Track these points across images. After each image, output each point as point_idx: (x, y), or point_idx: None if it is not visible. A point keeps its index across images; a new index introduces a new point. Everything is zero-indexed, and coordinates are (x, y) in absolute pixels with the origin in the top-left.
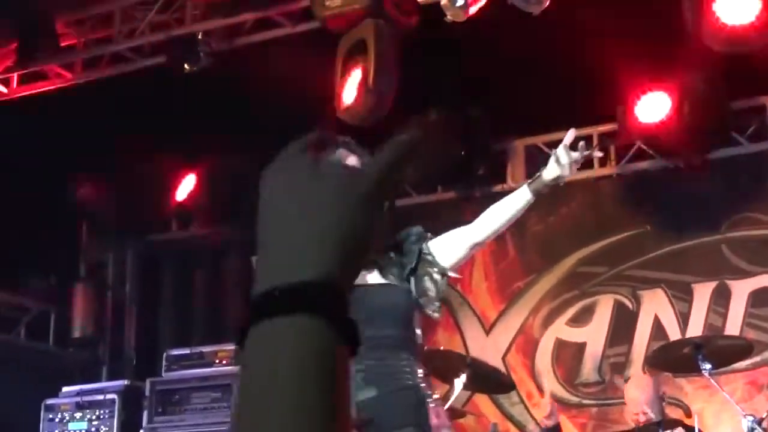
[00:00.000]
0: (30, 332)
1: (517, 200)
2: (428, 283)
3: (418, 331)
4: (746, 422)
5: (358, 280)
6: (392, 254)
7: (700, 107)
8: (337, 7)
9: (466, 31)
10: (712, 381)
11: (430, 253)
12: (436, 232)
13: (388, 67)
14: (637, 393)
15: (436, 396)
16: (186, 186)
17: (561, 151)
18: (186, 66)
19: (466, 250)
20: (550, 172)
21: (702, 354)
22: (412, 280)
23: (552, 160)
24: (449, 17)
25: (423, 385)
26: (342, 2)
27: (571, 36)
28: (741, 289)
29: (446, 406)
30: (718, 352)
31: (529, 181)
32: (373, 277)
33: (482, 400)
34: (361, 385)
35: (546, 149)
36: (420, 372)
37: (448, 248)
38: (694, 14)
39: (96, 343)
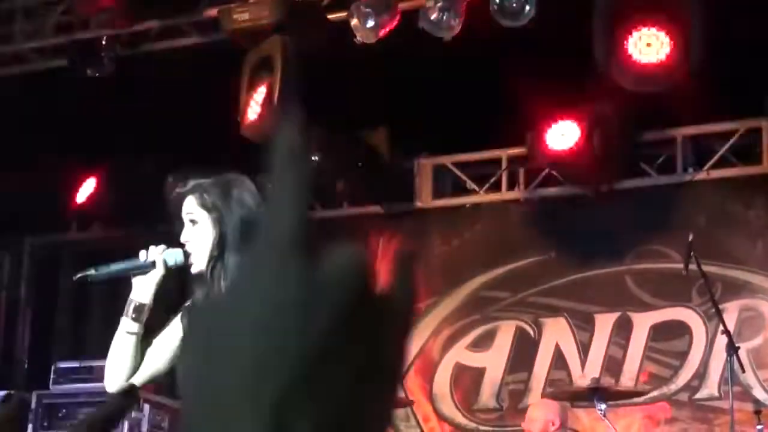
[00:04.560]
0: None
1: None
2: None
3: None
4: None
5: None
6: None
7: (609, 137)
8: (245, 21)
9: (379, 49)
10: (607, 421)
11: None
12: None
13: (294, 86)
14: (542, 412)
15: None
16: (86, 188)
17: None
18: (88, 70)
19: None
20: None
21: (597, 396)
22: None
23: None
24: (359, 38)
25: None
26: (250, 16)
27: (485, 59)
28: (643, 322)
29: None
30: (612, 393)
31: None
32: None
33: None
34: None
35: (454, 169)
36: None
37: None
38: (605, 51)
39: None
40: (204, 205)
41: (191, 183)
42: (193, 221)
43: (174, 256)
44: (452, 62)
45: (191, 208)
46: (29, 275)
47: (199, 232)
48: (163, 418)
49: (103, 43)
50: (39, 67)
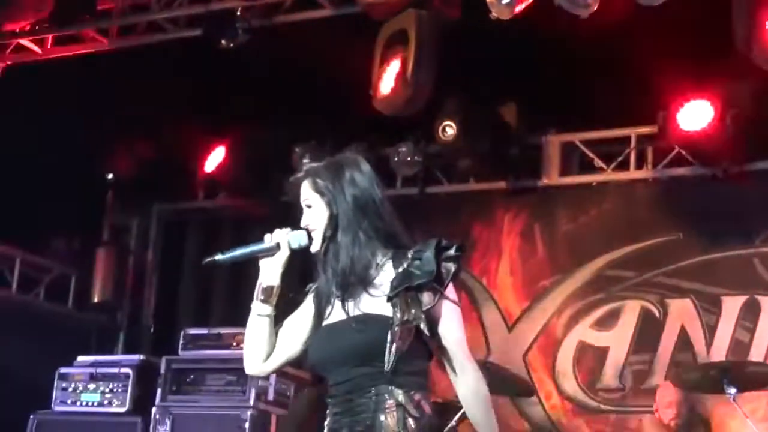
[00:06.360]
0: (49, 294)
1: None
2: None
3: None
4: None
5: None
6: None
7: (742, 117)
8: None
9: (512, 25)
10: (736, 406)
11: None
12: (462, 223)
13: (428, 60)
14: (675, 395)
15: None
16: (215, 157)
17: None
18: (222, 41)
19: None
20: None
21: (728, 378)
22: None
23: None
24: (494, 14)
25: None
26: None
27: (618, 37)
28: None
29: (459, 414)
30: (744, 378)
31: None
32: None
33: (500, 400)
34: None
35: (582, 147)
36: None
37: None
38: (745, 31)
39: (115, 308)
40: (317, 189)
41: (305, 168)
42: (308, 206)
43: (298, 238)
44: (585, 39)
45: (306, 193)
46: (156, 241)
47: (315, 216)
48: (288, 387)
49: (238, 13)
50: (174, 36)
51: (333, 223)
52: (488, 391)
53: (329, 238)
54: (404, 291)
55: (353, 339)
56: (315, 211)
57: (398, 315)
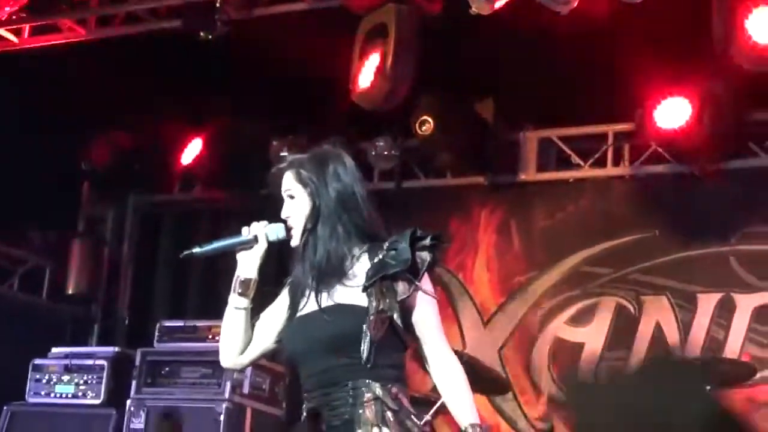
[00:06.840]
0: (24, 285)
1: None
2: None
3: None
4: None
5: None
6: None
7: (720, 115)
8: None
9: (490, 20)
10: None
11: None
12: (439, 218)
13: (407, 54)
14: None
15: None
16: (192, 149)
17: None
18: (201, 32)
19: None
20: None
21: (703, 376)
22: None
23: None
24: (474, 9)
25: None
26: None
27: (596, 34)
28: (746, 304)
29: (438, 404)
30: (719, 374)
31: None
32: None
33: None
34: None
35: (559, 143)
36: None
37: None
38: (724, 30)
39: (90, 300)
40: (300, 180)
41: (289, 159)
42: (291, 196)
43: (276, 230)
44: (563, 35)
45: (289, 184)
46: (132, 233)
47: (296, 207)
48: (264, 380)
49: (217, 5)
50: (152, 27)
51: (315, 215)
52: (466, 378)
53: (309, 231)
54: (380, 280)
55: (325, 329)
56: (297, 202)
57: (373, 304)
